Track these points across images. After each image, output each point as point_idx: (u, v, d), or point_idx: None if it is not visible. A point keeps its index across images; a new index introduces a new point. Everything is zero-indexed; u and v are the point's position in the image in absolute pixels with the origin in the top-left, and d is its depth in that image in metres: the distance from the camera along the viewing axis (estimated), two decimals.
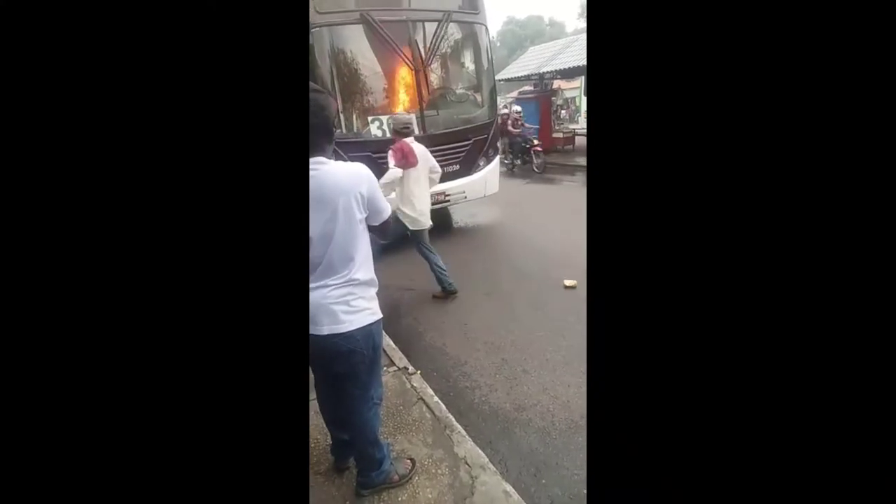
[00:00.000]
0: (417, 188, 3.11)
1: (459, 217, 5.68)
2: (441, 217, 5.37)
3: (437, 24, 4.15)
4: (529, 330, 2.78)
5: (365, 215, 1.23)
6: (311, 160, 1.15)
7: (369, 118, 4.12)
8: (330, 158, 1.20)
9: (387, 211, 1.30)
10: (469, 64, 4.81)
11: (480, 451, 1.68)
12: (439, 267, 3.26)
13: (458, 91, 4.88)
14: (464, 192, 4.69)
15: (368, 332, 1.31)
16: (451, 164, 4.52)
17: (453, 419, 1.86)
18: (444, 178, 4.46)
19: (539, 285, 3.41)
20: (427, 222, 3.16)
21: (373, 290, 1.34)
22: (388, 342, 2.50)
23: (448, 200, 4.63)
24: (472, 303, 3.24)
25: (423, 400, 1.99)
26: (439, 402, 1.99)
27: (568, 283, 3.31)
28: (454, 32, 4.43)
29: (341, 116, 4.13)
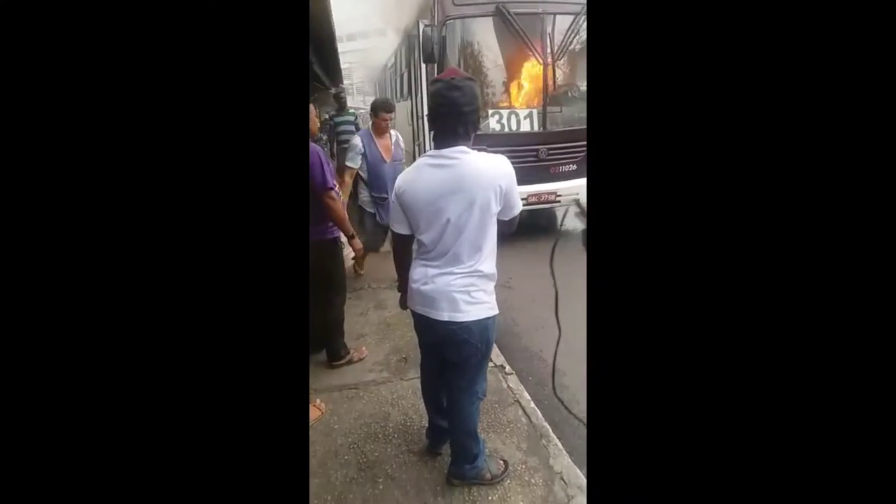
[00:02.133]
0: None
1: (569, 220, 5.42)
2: (546, 217, 5.18)
3: (572, 17, 3.96)
4: None
5: (499, 208, 1.21)
6: (455, 149, 1.16)
7: (490, 111, 4.10)
8: (471, 148, 1.19)
9: (518, 207, 1.27)
10: None
11: (578, 471, 1.58)
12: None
13: (584, 87, 4.62)
14: (577, 194, 4.45)
15: (485, 326, 1.30)
16: (568, 163, 4.32)
17: (550, 429, 1.78)
18: (558, 177, 4.31)
19: None
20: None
21: (493, 284, 1.33)
22: None
23: (558, 201, 4.43)
24: (575, 312, 3.07)
25: (520, 403, 1.94)
26: (536, 408, 1.91)
27: None
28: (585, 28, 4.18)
29: None
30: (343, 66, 9.67)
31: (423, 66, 4.09)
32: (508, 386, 2.06)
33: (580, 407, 2.11)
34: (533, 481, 1.53)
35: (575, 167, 4.35)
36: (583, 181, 4.40)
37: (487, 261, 1.27)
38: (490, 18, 3.89)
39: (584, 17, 4.00)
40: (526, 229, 4.64)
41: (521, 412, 1.88)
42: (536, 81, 4.12)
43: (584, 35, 4.29)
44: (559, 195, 4.37)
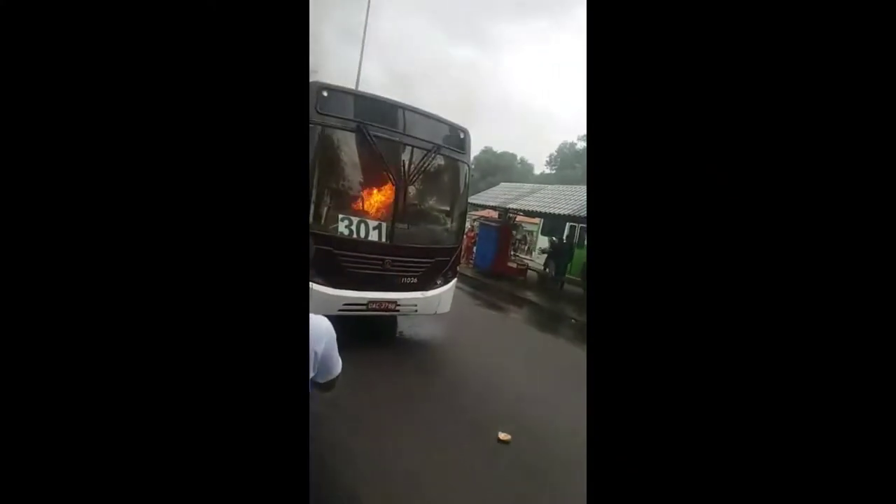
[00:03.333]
0: None
1: (405, 327, 5.51)
2: (385, 326, 5.19)
3: (424, 152, 4.48)
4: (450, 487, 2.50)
5: (314, 374, 1.11)
6: None
7: (340, 216, 4.14)
8: None
9: (337, 369, 1.18)
10: (446, 192, 5.14)
11: None
12: None
13: (432, 213, 5.12)
14: (415, 306, 4.63)
15: None
16: (410, 276, 4.52)
17: None
18: (399, 288, 4.44)
19: (469, 428, 3.19)
20: None
21: None
22: None
23: (398, 310, 4.53)
24: (397, 437, 2.94)
25: None
26: None
27: (502, 436, 3.11)
28: (439, 161, 4.77)
29: (312, 207, 4.13)
30: None
31: None
32: None
33: None
34: None
35: (416, 280, 4.57)
36: (422, 294, 4.62)
37: None
38: (351, 133, 4.12)
39: (435, 154, 4.56)
40: (365, 336, 4.54)
41: None
42: (388, 198, 4.38)
43: (435, 168, 4.87)
44: (399, 304, 4.47)
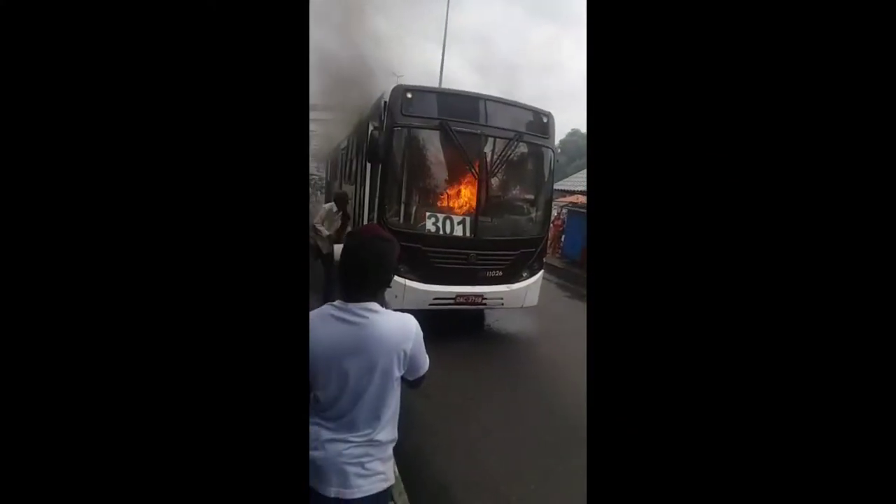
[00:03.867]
0: None
1: (494, 319, 5.51)
2: (473, 319, 5.25)
3: (507, 141, 4.42)
4: (542, 487, 2.48)
5: (403, 372, 1.17)
6: (362, 306, 1.12)
7: (427, 213, 4.28)
8: (383, 306, 1.17)
9: (425, 366, 1.22)
10: (530, 181, 5.01)
11: None
12: None
13: (515, 204, 5.04)
14: (501, 299, 4.62)
15: (376, 499, 1.18)
16: (495, 269, 4.52)
17: None
18: (485, 281, 4.46)
19: (561, 424, 3.11)
20: None
21: (390, 449, 1.23)
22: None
23: (484, 303, 4.56)
24: (487, 429, 2.98)
25: None
26: None
27: None
28: (522, 149, 4.66)
29: (402, 207, 4.33)
30: None
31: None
32: None
33: None
34: None
35: (501, 273, 4.55)
36: (507, 287, 4.60)
37: (387, 428, 1.18)
38: (435, 131, 4.21)
39: (517, 142, 4.47)
40: (451, 330, 4.66)
41: None
42: (471, 192, 4.41)
43: (518, 156, 4.78)
44: (485, 298, 4.50)
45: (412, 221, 4.35)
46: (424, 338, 1.19)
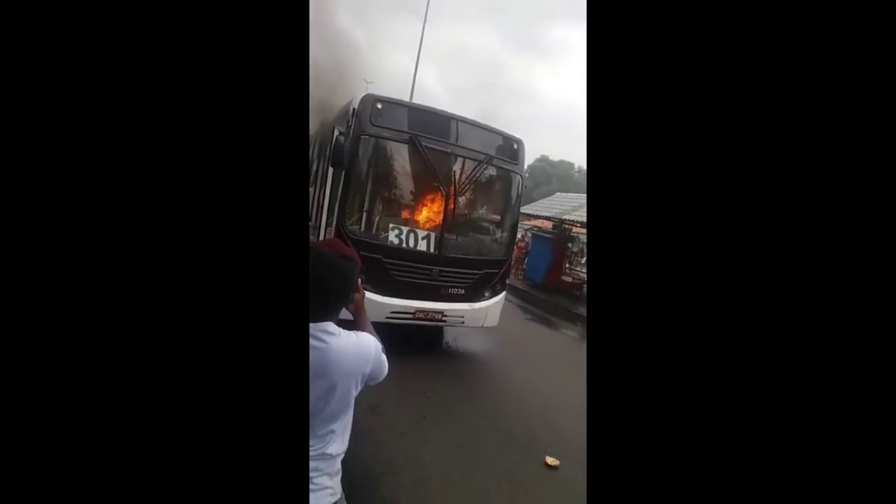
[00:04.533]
0: None
1: (452, 337, 5.45)
2: (431, 335, 5.16)
3: (476, 163, 4.45)
4: None
5: (359, 390, 1.14)
6: (320, 327, 1.07)
7: (390, 225, 4.20)
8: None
9: (385, 373, 1.20)
10: (497, 204, 5.06)
11: None
12: None
13: (481, 224, 5.06)
14: (462, 318, 4.57)
15: None
16: (458, 287, 4.48)
17: None
18: (447, 298, 4.40)
19: (518, 450, 3.05)
20: None
21: (339, 463, 1.18)
22: None
23: (444, 321, 4.48)
24: (440, 451, 2.87)
25: None
26: None
27: (550, 461, 2.94)
28: (491, 172, 4.71)
29: (364, 216, 4.24)
30: None
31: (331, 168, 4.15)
32: None
33: None
34: None
35: (463, 291, 4.51)
36: (469, 306, 4.55)
37: (337, 440, 1.14)
38: (403, 144, 4.18)
39: (486, 165, 4.51)
40: (409, 344, 4.55)
41: None
42: (438, 208, 4.39)
43: (487, 178, 4.82)
44: (445, 315, 4.43)
45: (374, 231, 4.26)
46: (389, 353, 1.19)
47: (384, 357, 1.19)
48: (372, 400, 3.37)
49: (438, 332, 5.35)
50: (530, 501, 2.54)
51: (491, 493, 2.53)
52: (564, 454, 2.98)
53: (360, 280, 1.37)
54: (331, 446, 1.12)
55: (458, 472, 2.70)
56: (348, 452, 1.18)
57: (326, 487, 1.12)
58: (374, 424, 3.08)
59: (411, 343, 4.64)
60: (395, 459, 2.71)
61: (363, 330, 1.30)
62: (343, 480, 2.45)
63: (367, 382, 1.16)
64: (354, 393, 1.12)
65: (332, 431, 1.11)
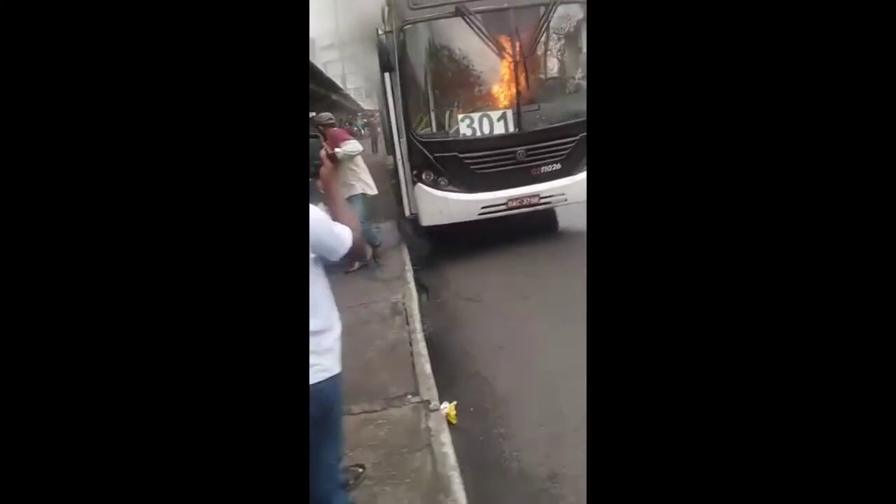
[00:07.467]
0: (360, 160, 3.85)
1: (569, 218, 5.05)
2: (543, 219, 4.87)
3: (541, 9, 3.69)
4: None
5: (321, 263, 1.12)
6: None
7: (459, 116, 3.92)
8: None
9: (340, 246, 1.15)
10: (577, 50, 4.19)
11: None
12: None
13: (565, 83, 4.32)
14: (563, 195, 4.16)
15: (316, 392, 1.17)
16: (551, 162, 4.05)
17: (455, 482, 1.62)
18: (540, 178, 4.05)
19: None
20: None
21: (327, 341, 1.20)
22: (421, 367, 2.35)
23: (542, 203, 4.16)
24: (545, 329, 2.85)
25: (431, 447, 1.79)
26: (448, 452, 1.76)
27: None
28: (561, 14, 3.87)
29: (431, 115, 4.04)
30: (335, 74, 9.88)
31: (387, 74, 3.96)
32: (427, 426, 1.92)
33: (514, 445, 1.93)
34: None
35: (559, 166, 4.07)
36: (569, 180, 4.11)
37: (316, 318, 1.15)
38: (451, 20, 3.70)
39: (554, 8, 3.72)
40: (507, 235, 4.42)
41: (429, 458, 1.74)
42: (508, 80, 3.89)
43: (560, 26, 4.01)
44: (542, 197, 4.12)
45: (446, 128, 4.04)
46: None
47: (339, 230, 1.13)
48: (472, 290, 3.48)
49: (550, 214, 5.00)
50: None
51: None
52: None
53: (323, 152, 1.32)
54: (311, 324, 1.12)
55: (562, 340, 2.66)
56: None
57: (313, 365, 1.14)
58: (474, 311, 3.21)
59: (519, 229, 4.47)
60: (494, 341, 2.80)
61: (333, 205, 1.26)
62: (442, 364, 2.65)
63: (326, 256, 1.13)
64: (316, 269, 1.10)
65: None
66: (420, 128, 3.97)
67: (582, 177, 4.14)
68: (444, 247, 4.46)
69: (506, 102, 3.95)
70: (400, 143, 4.04)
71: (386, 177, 4.41)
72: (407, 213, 4.32)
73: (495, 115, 3.90)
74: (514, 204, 4.06)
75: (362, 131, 14.89)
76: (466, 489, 1.66)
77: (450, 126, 4.01)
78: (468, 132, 3.90)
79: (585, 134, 4.00)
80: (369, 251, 3.65)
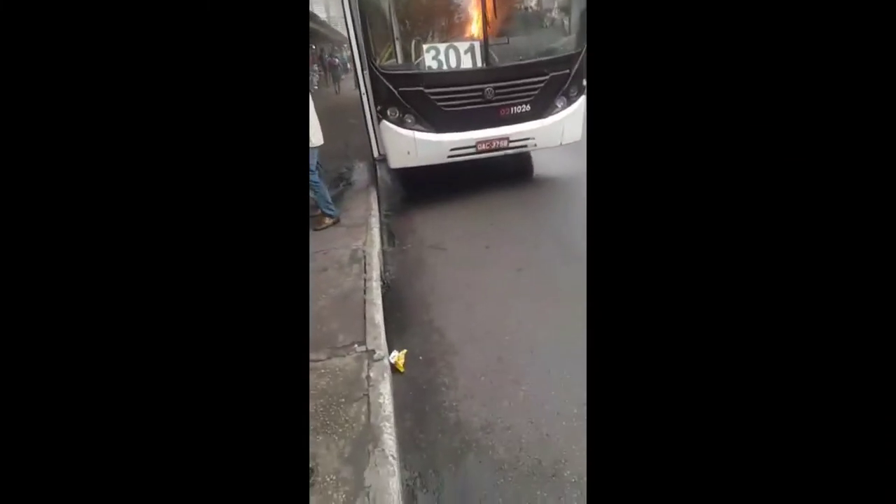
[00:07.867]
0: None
1: (543, 163, 4.90)
2: (518, 163, 4.69)
3: None
4: (550, 328, 2.31)
5: None
6: None
7: (424, 47, 3.59)
8: None
9: None
10: None
11: (391, 483, 1.44)
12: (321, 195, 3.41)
13: (536, 13, 3.96)
14: (532, 139, 3.98)
15: None
16: (520, 103, 3.81)
17: (386, 431, 1.63)
18: (509, 119, 3.83)
19: (574, 262, 2.80)
20: (320, 139, 3.35)
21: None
22: (371, 316, 2.31)
23: (511, 147, 3.97)
24: (500, 280, 2.82)
25: (368, 397, 1.78)
26: (384, 402, 1.76)
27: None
28: None
29: (396, 45, 3.68)
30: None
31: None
32: (368, 375, 1.90)
33: (454, 395, 1.94)
34: (334, 497, 1.41)
35: (528, 108, 3.84)
36: (537, 124, 3.90)
37: None
38: None
39: None
40: (478, 181, 4.27)
41: (364, 408, 1.73)
42: (475, 8, 3.53)
43: None
44: (511, 140, 3.92)
45: (411, 60, 3.70)
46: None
47: None
48: (438, 238, 3.40)
49: (525, 159, 4.83)
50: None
51: (545, 313, 2.44)
52: None
53: None
54: None
55: (511, 289, 2.65)
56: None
57: None
58: (437, 259, 3.15)
59: (493, 174, 4.29)
60: (450, 290, 2.77)
61: None
62: (398, 312, 2.61)
63: None
64: None
65: None
66: (384, 59, 3.63)
67: (553, 119, 3.94)
68: (415, 193, 4.31)
69: (473, 33, 3.62)
70: (363, 75, 3.72)
71: (360, 115, 4.10)
72: (375, 153, 4.09)
73: (462, 46, 3.58)
74: (484, 147, 3.87)
75: (347, 65, 13.79)
76: (400, 439, 1.67)
77: (416, 58, 3.68)
78: (434, 65, 3.59)
79: (552, 75, 3.75)
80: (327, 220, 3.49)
